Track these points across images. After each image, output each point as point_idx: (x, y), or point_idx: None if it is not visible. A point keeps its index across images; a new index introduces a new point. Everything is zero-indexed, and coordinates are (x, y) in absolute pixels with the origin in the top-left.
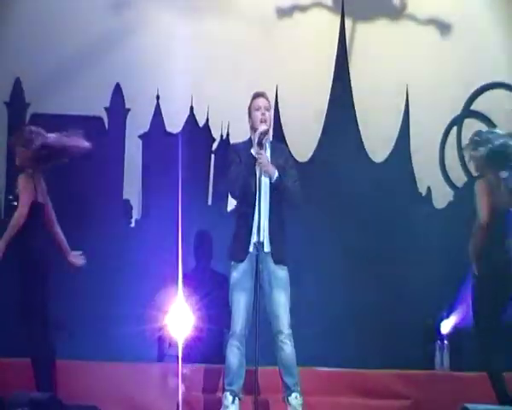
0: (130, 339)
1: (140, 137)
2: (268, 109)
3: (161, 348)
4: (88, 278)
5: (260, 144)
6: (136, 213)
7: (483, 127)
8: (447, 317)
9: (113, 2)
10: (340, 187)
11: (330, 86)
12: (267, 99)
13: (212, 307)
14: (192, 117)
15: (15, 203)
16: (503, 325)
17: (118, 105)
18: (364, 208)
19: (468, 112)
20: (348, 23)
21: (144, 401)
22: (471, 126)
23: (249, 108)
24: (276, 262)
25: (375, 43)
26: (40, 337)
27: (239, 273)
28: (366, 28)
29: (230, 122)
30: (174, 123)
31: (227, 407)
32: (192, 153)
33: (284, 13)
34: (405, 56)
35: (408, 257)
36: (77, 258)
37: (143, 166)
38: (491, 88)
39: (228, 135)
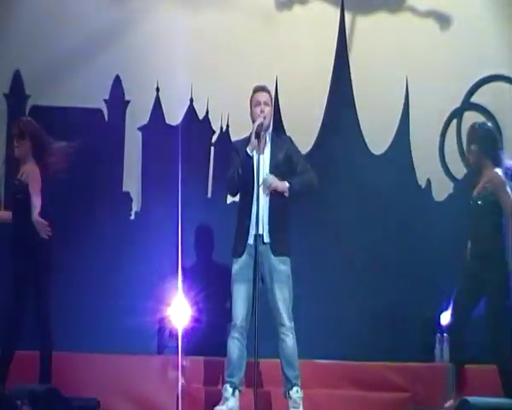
0: (130, 331)
1: (139, 129)
2: (268, 103)
3: (161, 341)
4: (87, 269)
5: (258, 137)
6: (135, 206)
7: (483, 120)
8: (447, 309)
9: None
10: (340, 179)
11: (330, 78)
12: (268, 92)
13: (214, 300)
14: (192, 109)
15: (19, 195)
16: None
17: (117, 97)
18: (364, 201)
19: (467, 104)
20: (348, 15)
21: (144, 393)
22: (471, 119)
23: (250, 102)
24: (276, 254)
25: (374, 34)
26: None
27: (239, 266)
28: (366, 20)
29: (230, 114)
30: (174, 115)
31: (227, 399)
32: (192, 145)
33: (284, 5)
34: (405, 48)
35: (407, 249)
36: (41, 225)
37: (143, 158)
38: (491, 80)
39: (228, 127)
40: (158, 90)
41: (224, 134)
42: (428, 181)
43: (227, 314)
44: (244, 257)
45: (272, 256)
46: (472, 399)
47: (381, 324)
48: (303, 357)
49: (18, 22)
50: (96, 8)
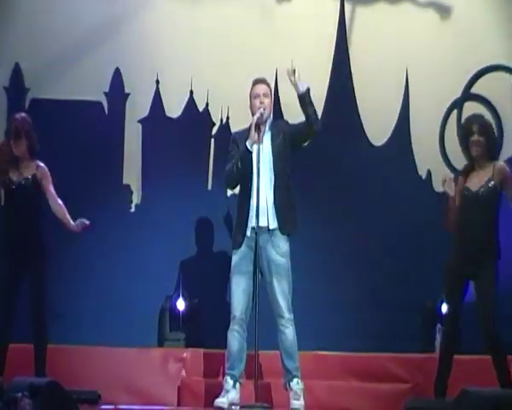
0: (130, 324)
1: (139, 121)
2: (267, 95)
3: (162, 333)
4: (87, 262)
5: (258, 129)
6: (135, 198)
7: (483, 110)
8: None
9: None
10: (340, 170)
11: (330, 70)
12: (267, 85)
13: (214, 292)
14: (192, 101)
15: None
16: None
17: (117, 90)
18: (364, 192)
19: (468, 95)
20: (348, 6)
21: (145, 386)
22: (471, 109)
23: (249, 95)
24: (283, 233)
25: (374, 26)
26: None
27: (238, 257)
28: (366, 11)
29: (230, 106)
30: (174, 107)
31: (228, 391)
32: (192, 137)
33: None
34: (405, 39)
35: (407, 240)
36: (82, 224)
37: (143, 150)
38: (492, 70)
39: (228, 119)
40: (158, 82)
41: (224, 126)
42: (429, 172)
43: (227, 306)
44: (243, 249)
45: (272, 251)
46: (472, 389)
47: (380, 314)
48: (302, 349)
49: (17, 15)
50: (97, 0)
